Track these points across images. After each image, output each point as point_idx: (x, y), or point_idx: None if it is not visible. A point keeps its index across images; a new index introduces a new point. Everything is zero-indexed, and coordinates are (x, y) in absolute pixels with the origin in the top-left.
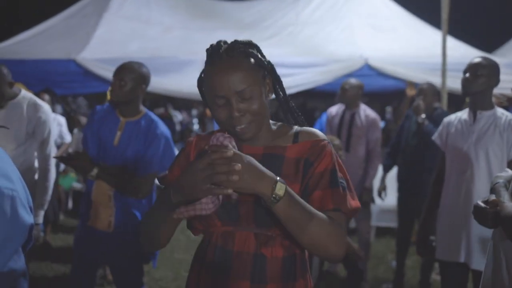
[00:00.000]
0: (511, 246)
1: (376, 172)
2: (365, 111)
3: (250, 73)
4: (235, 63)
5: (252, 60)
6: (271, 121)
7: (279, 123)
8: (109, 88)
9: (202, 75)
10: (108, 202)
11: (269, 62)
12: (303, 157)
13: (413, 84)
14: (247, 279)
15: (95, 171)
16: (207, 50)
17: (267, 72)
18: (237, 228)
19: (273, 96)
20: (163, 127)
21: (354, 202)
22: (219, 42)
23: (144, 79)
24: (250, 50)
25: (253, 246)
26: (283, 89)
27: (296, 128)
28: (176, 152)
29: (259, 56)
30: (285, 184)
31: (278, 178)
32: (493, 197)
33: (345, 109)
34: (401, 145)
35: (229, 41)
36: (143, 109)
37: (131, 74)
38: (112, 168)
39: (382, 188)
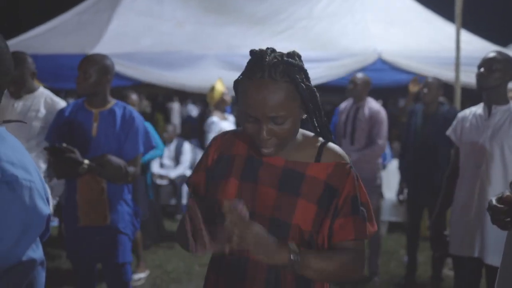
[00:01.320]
0: None
1: (366, 157)
2: (369, 104)
3: (288, 101)
4: (275, 88)
5: (295, 86)
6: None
7: (304, 133)
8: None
9: (240, 78)
10: (101, 196)
11: (309, 87)
12: (324, 179)
13: (416, 80)
14: (262, 287)
15: (86, 162)
16: (251, 53)
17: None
18: None
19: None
20: (135, 112)
21: (372, 227)
22: (265, 53)
23: (107, 69)
24: (295, 75)
25: None
26: (319, 110)
27: (320, 141)
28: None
29: (302, 83)
30: (298, 248)
31: (289, 245)
32: (507, 192)
33: (353, 103)
34: (410, 141)
35: (274, 48)
36: (111, 99)
37: (95, 66)
38: (98, 158)
39: (401, 192)
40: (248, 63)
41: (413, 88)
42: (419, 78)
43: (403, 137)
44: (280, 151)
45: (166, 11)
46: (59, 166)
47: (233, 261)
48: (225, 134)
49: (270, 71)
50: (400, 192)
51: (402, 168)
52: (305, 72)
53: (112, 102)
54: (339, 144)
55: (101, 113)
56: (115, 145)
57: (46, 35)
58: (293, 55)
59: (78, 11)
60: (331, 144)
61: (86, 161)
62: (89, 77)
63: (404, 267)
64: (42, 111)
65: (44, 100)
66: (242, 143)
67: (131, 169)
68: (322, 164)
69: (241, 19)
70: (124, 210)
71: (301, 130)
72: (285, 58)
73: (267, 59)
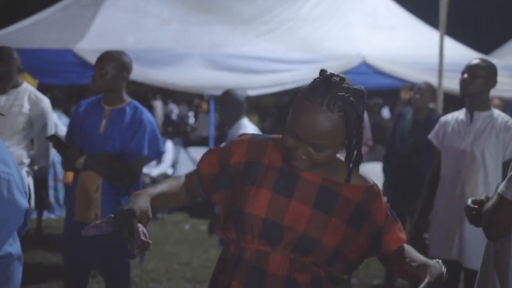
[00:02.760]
0: (501, 245)
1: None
2: None
3: (336, 134)
4: (327, 119)
5: (345, 121)
6: None
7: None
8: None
9: (300, 94)
10: (95, 193)
11: (359, 124)
12: (356, 200)
13: (408, 87)
14: None
15: (82, 159)
16: (321, 72)
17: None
18: (273, 249)
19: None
20: (147, 114)
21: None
22: (331, 80)
23: (125, 66)
24: (352, 112)
25: (286, 270)
26: (360, 145)
27: (347, 165)
28: (160, 138)
29: (356, 121)
30: None
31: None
32: (482, 197)
33: None
34: (396, 145)
35: (342, 78)
36: (127, 97)
37: (112, 63)
38: (99, 155)
39: (384, 193)
40: (314, 83)
41: (405, 95)
42: (410, 84)
43: (389, 140)
44: (313, 169)
45: (151, 8)
46: (62, 158)
47: (253, 271)
48: (256, 138)
49: (330, 102)
50: (384, 194)
51: (386, 171)
52: (359, 111)
53: (126, 100)
54: None
55: (112, 111)
56: (120, 144)
57: (30, 29)
58: (361, 92)
59: (63, 5)
60: (358, 168)
61: (82, 158)
62: (105, 73)
63: (383, 269)
64: (26, 106)
65: (28, 96)
66: (277, 154)
67: (129, 171)
68: (355, 186)
69: (227, 19)
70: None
71: None
72: (346, 96)
73: (331, 89)
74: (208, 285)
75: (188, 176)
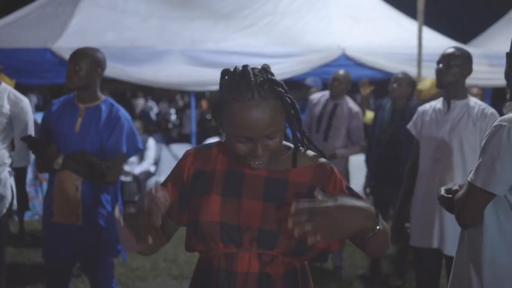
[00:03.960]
0: (474, 232)
1: (352, 153)
2: (348, 104)
3: (278, 115)
4: (266, 107)
5: (280, 101)
6: None
7: None
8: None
9: (223, 101)
10: (75, 194)
11: (291, 99)
12: (306, 182)
13: (367, 82)
14: None
15: (60, 159)
16: (230, 73)
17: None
18: (240, 249)
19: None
20: (123, 111)
21: None
22: (247, 72)
23: (99, 63)
24: (280, 89)
25: (257, 266)
26: (300, 120)
27: (292, 147)
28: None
29: (287, 97)
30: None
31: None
32: (456, 186)
33: (328, 98)
34: (376, 135)
35: (254, 66)
36: (101, 95)
37: (86, 59)
38: (76, 155)
39: (367, 184)
40: (231, 84)
41: (364, 91)
42: (369, 80)
43: (370, 131)
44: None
45: (130, 5)
46: (38, 159)
47: (222, 274)
48: (199, 149)
49: (259, 91)
50: (367, 185)
51: (368, 162)
52: (283, 84)
53: (101, 98)
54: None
55: (87, 109)
56: (97, 142)
57: (8, 28)
58: (268, 69)
59: (40, 4)
60: (302, 150)
61: (61, 158)
62: (79, 70)
63: (369, 259)
64: (6, 106)
65: (8, 96)
66: (221, 157)
67: (109, 169)
68: (302, 168)
69: (206, 15)
70: (97, 212)
71: None
72: (269, 76)
73: (252, 79)
74: None
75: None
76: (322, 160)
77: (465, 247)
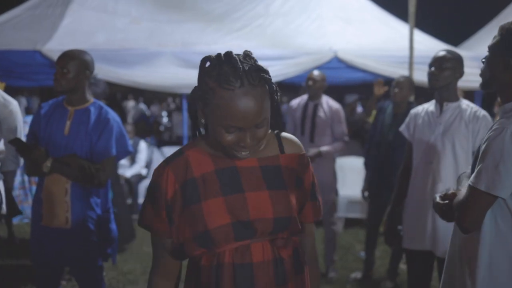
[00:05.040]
0: (469, 235)
1: (337, 150)
2: (328, 102)
3: (266, 103)
4: (256, 94)
5: (267, 87)
6: None
7: None
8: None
9: (211, 90)
10: (64, 197)
11: (275, 85)
12: (294, 167)
13: (381, 82)
14: (273, 286)
15: (48, 162)
16: (215, 60)
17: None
18: (252, 240)
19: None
20: (113, 113)
21: (321, 213)
22: (234, 60)
23: (87, 65)
24: (267, 76)
25: (270, 253)
26: (278, 105)
27: (275, 133)
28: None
29: (272, 82)
30: None
31: None
32: (451, 190)
33: (307, 100)
34: (376, 138)
35: (238, 51)
36: (90, 97)
37: (73, 61)
38: (66, 158)
39: (366, 188)
40: (216, 71)
41: (379, 91)
42: (384, 79)
43: (370, 134)
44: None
45: (120, 7)
46: (26, 162)
47: (238, 270)
48: (172, 161)
49: (248, 78)
50: (365, 188)
51: (367, 165)
52: (268, 72)
53: (90, 100)
54: None
55: (76, 112)
56: (86, 145)
57: None
58: (251, 55)
59: (30, 5)
60: (284, 134)
61: (49, 161)
62: (67, 72)
63: (361, 261)
64: None
65: None
66: (201, 160)
67: (99, 171)
68: (289, 155)
69: (198, 17)
70: (87, 215)
71: None
72: (254, 62)
73: (240, 66)
74: None
75: (161, 255)
76: (303, 148)
77: (457, 249)
